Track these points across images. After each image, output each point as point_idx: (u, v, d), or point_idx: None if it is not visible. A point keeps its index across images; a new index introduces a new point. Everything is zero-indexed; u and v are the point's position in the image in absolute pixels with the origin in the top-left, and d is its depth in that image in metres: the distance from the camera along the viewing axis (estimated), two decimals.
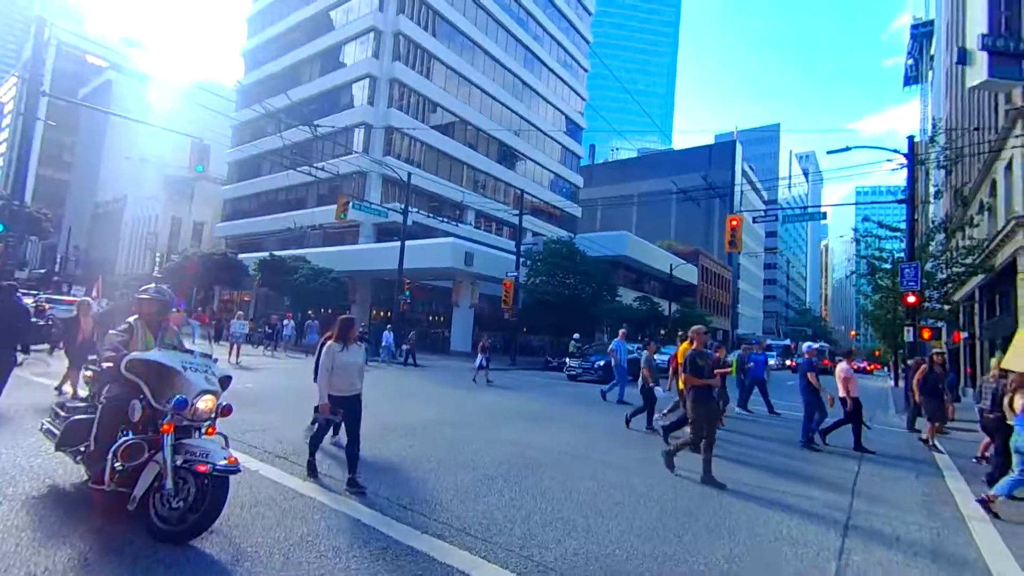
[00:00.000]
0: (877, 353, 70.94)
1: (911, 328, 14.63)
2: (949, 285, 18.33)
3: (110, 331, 4.14)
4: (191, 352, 3.80)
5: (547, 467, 5.95)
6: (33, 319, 14.57)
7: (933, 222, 22.50)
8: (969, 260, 16.93)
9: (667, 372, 10.01)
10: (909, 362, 14.61)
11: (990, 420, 6.61)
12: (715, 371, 8.73)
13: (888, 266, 18.53)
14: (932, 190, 23.63)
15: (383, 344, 20.40)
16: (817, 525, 4.64)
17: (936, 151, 19.90)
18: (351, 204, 21.17)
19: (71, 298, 27.84)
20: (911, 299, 14.14)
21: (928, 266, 17.78)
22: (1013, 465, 5.31)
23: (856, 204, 25.45)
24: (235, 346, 15.84)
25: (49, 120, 28.39)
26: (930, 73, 42.41)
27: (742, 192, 69.24)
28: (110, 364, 3.68)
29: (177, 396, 3.36)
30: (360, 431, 4.74)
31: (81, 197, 72.73)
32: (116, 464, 3.30)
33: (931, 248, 19.36)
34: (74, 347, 8.10)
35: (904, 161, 15.55)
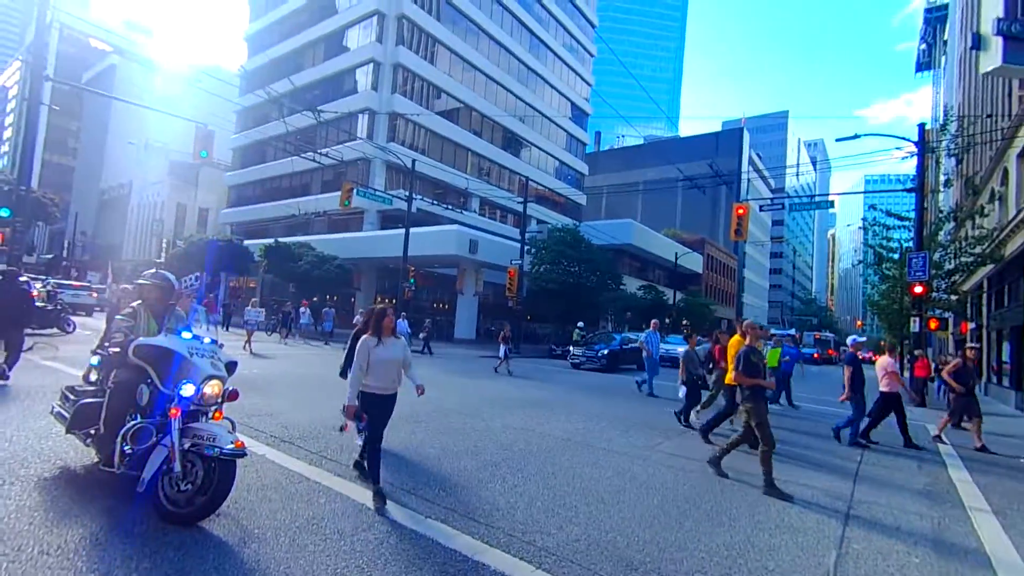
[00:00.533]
0: (882, 343, 70.51)
1: (917, 318, 14.54)
2: (957, 275, 18.15)
3: (116, 316, 4.19)
4: (197, 337, 3.82)
5: (550, 454, 6.00)
6: (42, 304, 14.80)
7: (942, 211, 22.24)
8: (978, 250, 16.74)
9: (709, 365, 9.46)
10: (916, 352, 14.55)
11: None
12: (683, 367, 8.74)
13: (896, 256, 18.36)
14: (942, 179, 23.31)
15: (398, 332, 20.43)
16: (818, 513, 4.67)
17: (947, 139, 19.59)
18: (355, 191, 21.11)
19: (79, 283, 28.08)
20: (918, 289, 14.04)
21: (936, 256, 17.60)
22: None
23: (865, 192, 25.35)
24: (251, 334, 15.56)
25: (53, 105, 28.33)
26: (943, 59, 41.58)
27: (749, 180, 68.60)
28: (117, 349, 3.73)
29: (184, 381, 3.40)
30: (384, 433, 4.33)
31: (87, 183, 72.87)
32: (125, 447, 3.36)
33: (940, 237, 19.16)
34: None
35: (914, 149, 15.33)
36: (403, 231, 23.68)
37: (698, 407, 8.74)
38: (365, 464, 4.40)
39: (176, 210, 55.14)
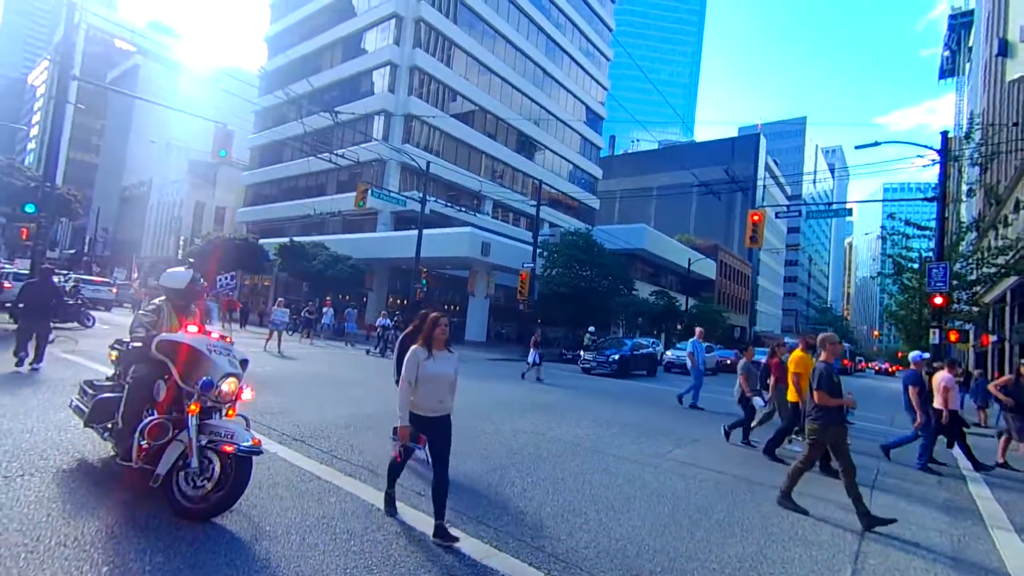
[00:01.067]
0: (900, 355, 69.42)
1: (937, 330, 14.24)
2: (979, 286, 17.76)
3: (138, 312, 4.26)
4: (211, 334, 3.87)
5: (560, 459, 5.97)
6: (64, 298, 15.13)
7: (964, 221, 21.78)
8: (1001, 260, 16.37)
9: (766, 380, 8.55)
10: (936, 364, 14.23)
11: None
12: (744, 380, 8.04)
13: (916, 266, 18.03)
14: (964, 188, 22.85)
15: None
16: (833, 527, 4.58)
17: (971, 147, 19.20)
18: (370, 192, 21.29)
19: (99, 279, 28.66)
20: (938, 300, 13.75)
21: (957, 266, 17.24)
22: None
23: (884, 200, 25.00)
24: (275, 334, 15.36)
25: (79, 103, 29.03)
26: (967, 65, 40.81)
27: (765, 187, 67.89)
28: (139, 344, 3.79)
29: (204, 377, 3.45)
30: (449, 459, 3.66)
31: (109, 180, 74.49)
32: (143, 442, 3.41)
33: (961, 248, 18.77)
34: None
35: (935, 157, 15.04)
36: (416, 232, 23.81)
37: (753, 423, 8.21)
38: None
39: (195, 208, 56.10)
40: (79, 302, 15.47)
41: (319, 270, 28.46)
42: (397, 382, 4.81)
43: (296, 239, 31.63)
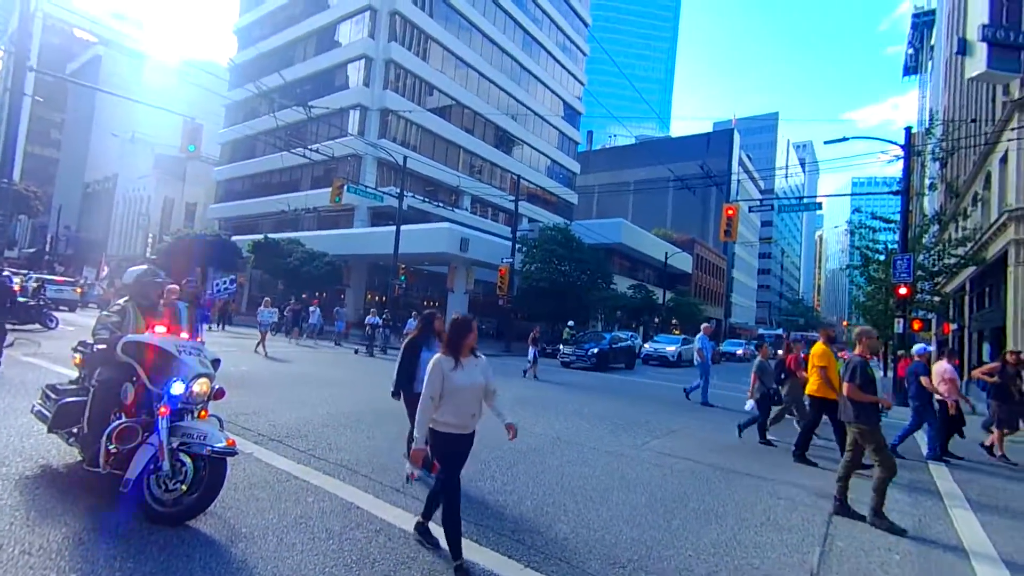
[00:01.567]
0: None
1: (901, 319, 14.78)
2: (940, 277, 18.47)
3: (102, 313, 4.13)
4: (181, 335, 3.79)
5: (539, 453, 6.02)
6: (24, 299, 14.53)
7: (927, 214, 22.61)
8: (961, 252, 17.05)
9: (781, 376, 8.41)
10: (900, 353, 14.77)
11: None
12: (755, 378, 7.89)
13: (882, 257, 18.64)
14: (927, 182, 23.70)
15: (406, 331, 19.97)
16: (803, 511, 4.73)
17: (932, 142, 19.90)
18: (346, 187, 20.95)
19: (62, 279, 27.59)
20: (902, 291, 14.26)
21: (921, 258, 17.89)
22: None
23: (851, 195, 25.94)
24: (264, 335, 14.65)
25: (36, 96, 27.77)
26: (929, 63, 42.22)
27: (739, 181, 69.17)
28: (103, 346, 3.67)
29: (172, 379, 3.37)
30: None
31: (71, 176, 71.58)
32: (111, 447, 3.31)
33: (924, 240, 19.47)
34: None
35: (900, 152, 15.56)
36: (394, 228, 23.57)
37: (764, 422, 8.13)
38: (423, 522, 3.41)
39: (163, 204, 54.40)
40: (40, 303, 14.88)
41: (295, 267, 27.95)
42: (395, 393, 4.56)
43: (270, 236, 30.99)
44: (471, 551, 3.31)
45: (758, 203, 22.18)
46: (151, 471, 3.31)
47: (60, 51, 73.15)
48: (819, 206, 19.86)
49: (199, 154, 17.49)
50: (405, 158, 25.05)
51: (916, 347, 8.40)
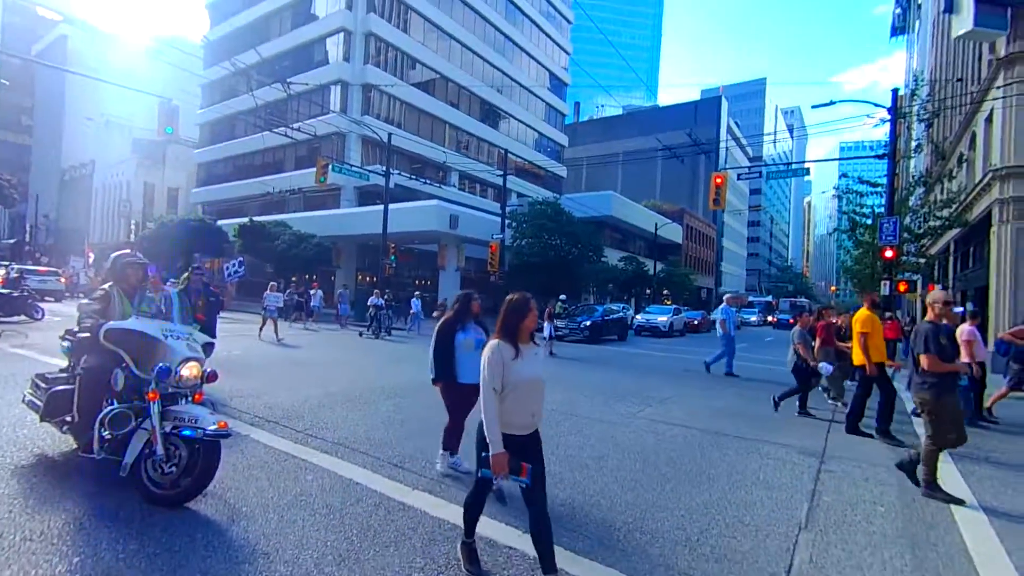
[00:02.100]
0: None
1: (887, 281, 15.00)
2: (926, 239, 18.69)
3: (81, 302, 4.07)
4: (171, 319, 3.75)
5: None
6: (6, 290, 14.29)
7: (914, 176, 22.72)
8: (946, 213, 17.22)
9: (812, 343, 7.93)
10: (887, 315, 15.02)
11: None
12: (803, 349, 7.36)
13: (869, 221, 18.79)
14: (914, 144, 23.72)
15: (412, 312, 19.57)
16: (792, 469, 4.87)
17: (918, 104, 19.84)
18: (331, 167, 20.57)
19: (45, 268, 27.10)
20: (888, 253, 14.42)
21: (907, 220, 18.06)
22: None
23: (839, 160, 25.80)
24: (270, 321, 14.21)
25: (2, 79, 26.70)
26: (917, 23, 41.76)
27: (727, 149, 68.82)
28: (87, 334, 3.63)
29: (160, 364, 3.34)
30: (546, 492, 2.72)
31: (46, 163, 69.53)
32: (104, 433, 3.31)
33: (910, 202, 19.62)
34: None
35: (887, 115, 15.51)
36: (382, 207, 23.29)
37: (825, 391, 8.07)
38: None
39: (144, 190, 53.14)
40: (24, 294, 14.64)
41: (283, 250, 27.62)
42: (434, 379, 4.24)
43: (256, 219, 30.49)
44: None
45: (746, 171, 22.15)
46: (147, 455, 3.32)
47: (23, 31, 70.14)
48: (807, 172, 19.86)
49: (177, 137, 17.05)
50: (390, 135, 24.58)
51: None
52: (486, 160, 41.49)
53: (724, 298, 12.16)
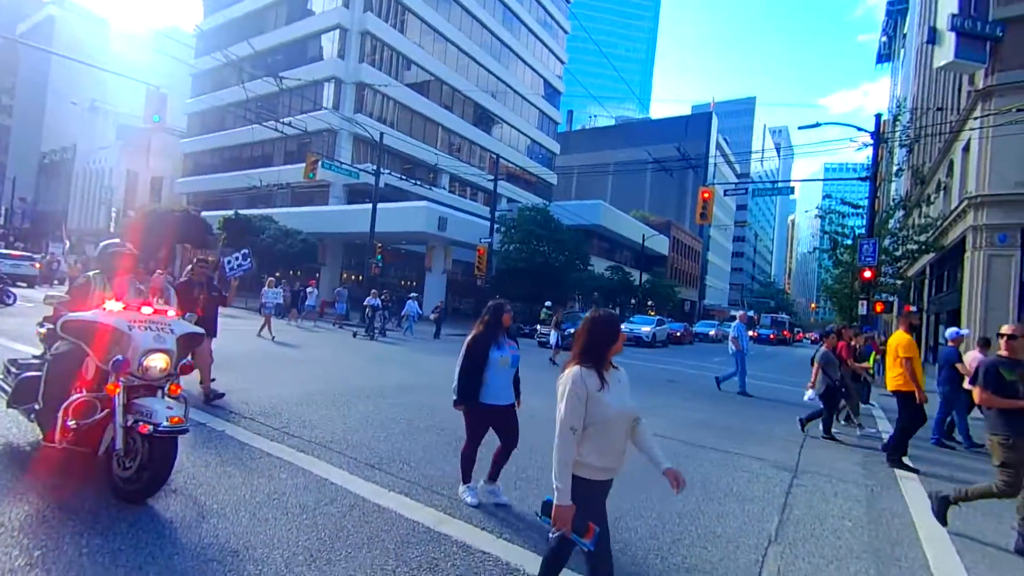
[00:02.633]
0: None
1: (865, 301, 15.35)
2: (903, 261, 19.18)
3: (46, 294, 4.01)
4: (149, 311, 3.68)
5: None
6: None
7: (894, 200, 23.32)
8: (923, 237, 17.71)
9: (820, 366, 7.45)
10: (866, 335, 15.31)
11: None
12: (851, 364, 7.13)
13: (850, 242, 19.22)
14: (895, 168, 24.40)
15: (405, 314, 19.11)
16: (765, 483, 4.95)
17: (900, 129, 20.42)
18: (320, 163, 20.44)
19: (17, 253, 26.38)
20: (867, 274, 14.78)
21: (886, 243, 18.53)
22: None
23: (823, 180, 26.46)
24: (269, 319, 13.74)
25: None
26: (902, 51, 43.02)
27: (716, 165, 69.90)
28: (52, 325, 3.57)
29: (117, 356, 3.26)
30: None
31: (25, 145, 67.85)
32: (69, 422, 3.22)
33: (890, 225, 20.13)
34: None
35: (869, 140, 15.94)
36: (370, 206, 23.17)
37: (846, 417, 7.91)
38: None
39: (127, 178, 52.17)
40: None
41: (267, 244, 27.32)
42: (457, 402, 3.72)
43: (242, 212, 30.13)
44: (441, 523, 3.38)
45: (733, 187, 22.54)
46: (115, 449, 3.25)
47: (8, 10, 68.54)
48: (791, 191, 20.29)
49: (164, 125, 16.79)
50: (382, 134, 24.52)
51: (949, 331, 7.75)
52: (477, 164, 41.57)
53: (737, 315, 11.84)
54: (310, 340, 14.30)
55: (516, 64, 45.98)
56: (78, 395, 3.32)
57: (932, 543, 3.83)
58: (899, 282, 20.15)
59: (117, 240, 4.23)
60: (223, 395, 6.18)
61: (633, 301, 40.09)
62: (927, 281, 21.25)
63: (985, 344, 7.33)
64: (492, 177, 27.12)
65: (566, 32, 52.75)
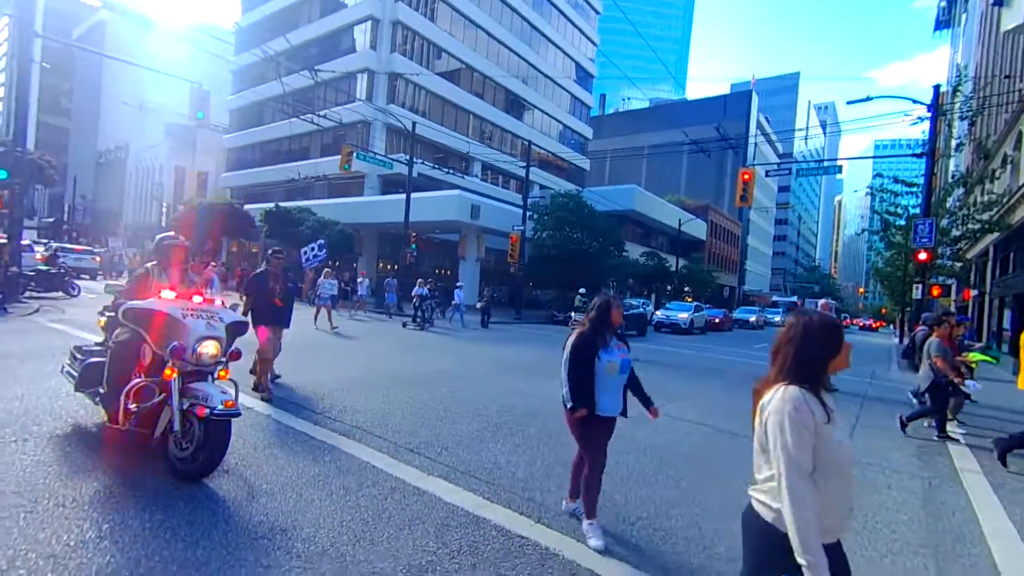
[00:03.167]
0: (884, 311, 71.11)
1: (920, 285, 14.51)
2: (964, 242, 18.00)
3: (106, 284, 4.23)
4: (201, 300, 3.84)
5: (550, 416, 6.10)
6: (45, 267, 14.88)
7: (953, 176, 21.84)
8: (986, 216, 16.54)
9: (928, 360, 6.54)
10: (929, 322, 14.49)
11: None
12: (942, 363, 6.20)
13: (902, 222, 18.17)
14: (954, 143, 22.77)
15: (454, 303, 18.81)
16: None
17: (961, 100, 19.02)
18: (355, 154, 20.77)
19: (80, 247, 28.11)
20: (922, 256, 13.94)
21: (944, 222, 17.41)
22: None
23: (873, 157, 24.83)
24: (322, 309, 13.59)
25: (44, 62, 27.63)
26: (963, 16, 39.94)
27: (756, 145, 67.22)
28: (113, 313, 3.79)
29: (174, 342, 3.43)
30: None
31: (83, 145, 71.91)
32: (130, 405, 3.43)
33: (948, 203, 18.90)
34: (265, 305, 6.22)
35: (925, 113, 14.91)
36: (404, 196, 23.44)
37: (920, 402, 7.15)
38: None
39: (175, 173, 54.58)
40: (61, 271, 15.22)
41: (307, 236, 28.05)
42: (572, 407, 3.25)
43: (281, 204, 31.03)
44: (480, 507, 3.41)
45: (775, 167, 21.59)
46: (169, 431, 3.44)
47: (65, 16, 72.25)
48: (839, 169, 19.29)
49: (208, 122, 17.38)
50: (414, 124, 24.65)
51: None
52: (509, 151, 41.34)
53: (820, 304, 11.33)
54: (362, 331, 14.37)
55: (547, 48, 45.24)
56: (137, 380, 3.52)
57: (998, 538, 3.61)
58: (958, 264, 18.94)
59: (171, 233, 4.44)
60: (271, 398, 5.78)
61: (669, 288, 39.27)
62: (990, 263, 19.89)
63: None
64: (524, 164, 26.92)
65: (598, 13, 51.43)
